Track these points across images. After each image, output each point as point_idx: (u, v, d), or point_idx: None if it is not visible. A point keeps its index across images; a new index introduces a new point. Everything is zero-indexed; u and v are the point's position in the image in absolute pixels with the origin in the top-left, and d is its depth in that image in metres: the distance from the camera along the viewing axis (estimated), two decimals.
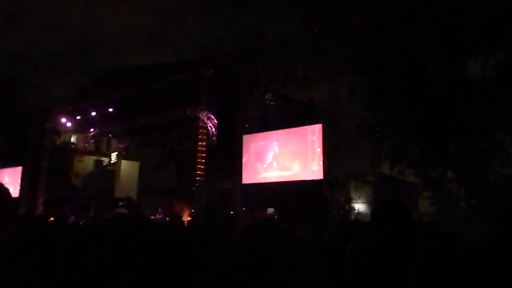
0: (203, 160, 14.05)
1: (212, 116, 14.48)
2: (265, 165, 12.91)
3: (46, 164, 18.50)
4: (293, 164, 12.16)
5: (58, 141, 21.28)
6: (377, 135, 11.84)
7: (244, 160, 13.29)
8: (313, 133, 11.76)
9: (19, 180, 18.72)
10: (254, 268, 0.85)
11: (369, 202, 18.11)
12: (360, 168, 16.53)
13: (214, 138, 14.75)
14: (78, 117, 18.23)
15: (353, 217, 16.03)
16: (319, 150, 11.44)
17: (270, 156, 12.80)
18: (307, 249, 0.92)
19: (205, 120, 14.19)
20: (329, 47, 11.90)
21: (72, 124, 18.67)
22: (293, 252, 0.88)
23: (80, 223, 11.05)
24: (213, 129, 14.46)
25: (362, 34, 11.55)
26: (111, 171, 23.90)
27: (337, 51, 11.83)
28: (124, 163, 24.22)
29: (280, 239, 0.90)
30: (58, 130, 19.75)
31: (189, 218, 13.79)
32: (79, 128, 19.97)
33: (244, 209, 12.03)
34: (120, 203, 11.38)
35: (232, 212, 13.19)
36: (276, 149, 12.65)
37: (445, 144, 11.50)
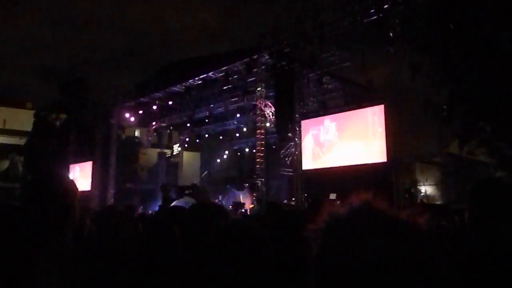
0: (262, 148, 14.06)
1: (270, 103, 14.43)
2: (324, 150, 12.68)
3: (113, 158, 19.39)
4: (354, 147, 11.84)
5: (123, 136, 22.20)
6: (444, 113, 11.21)
7: (303, 145, 13.13)
8: (374, 114, 11.35)
9: (90, 174, 19.79)
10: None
11: (437, 184, 17.32)
12: (425, 149, 15.81)
13: (272, 125, 14.71)
14: (140, 112, 18.90)
15: (419, 200, 15.42)
16: (380, 130, 11.02)
17: (329, 140, 12.54)
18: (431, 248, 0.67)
19: (263, 108, 14.17)
20: (389, 25, 11.38)
21: (135, 118, 19.41)
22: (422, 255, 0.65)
23: (150, 212, 11.48)
24: (271, 116, 14.41)
25: (423, 8, 10.94)
26: (174, 163, 24.67)
27: (398, 29, 11.28)
28: (186, 154, 24.92)
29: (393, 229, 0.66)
30: (123, 125, 20.61)
31: (251, 206, 13.92)
32: (142, 122, 20.74)
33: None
34: (187, 191, 11.58)
35: (293, 199, 13.14)
36: (336, 133, 12.38)
37: None
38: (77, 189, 1.58)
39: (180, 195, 10.63)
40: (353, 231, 0.68)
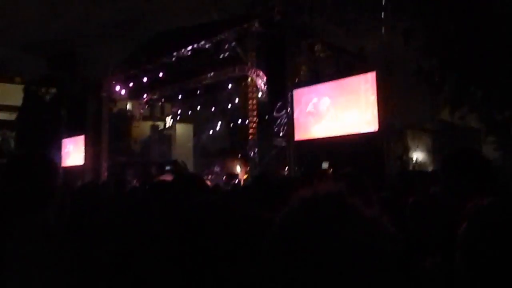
0: (255, 119, 14.02)
1: (261, 73, 14.29)
2: (317, 119, 12.67)
3: (106, 132, 19.30)
4: (346, 116, 11.82)
5: (115, 109, 22.01)
6: (436, 80, 11.19)
7: (295, 115, 13.09)
8: (366, 82, 11.29)
9: (83, 148, 19.73)
10: (311, 255, 0.67)
11: (428, 151, 17.47)
12: (417, 116, 15.85)
13: (264, 95, 14.62)
14: (131, 84, 18.68)
15: (411, 167, 15.58)
16: (373, 98, 10.98)
17: (322, 110, 12.51)
18: (383, 234, 0.72)
19: (254, 78, 14.05)
20: None
21: (126, 91, 19.20)
22: (366, 242, 0.68)
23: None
24: (263, 86, 14.31)
25: None
26: (167, 135, 24.60)
27: None
28: (178, 127, 24.83)
29: (348, 221, 0.70)
30: (114, 98, 20.41)
31: (245, 176, 14.00)
32: (133, 95, 20.53)
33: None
34: (167, 168, 11.50)
35: (286, 168, 13.21)
36: (328, 102, 12.33)
37: (511, 83, 10.71)
38: (58, 168, 1.57)
39: (160, 172, 10.59)
40: (307, 216, 0.71)
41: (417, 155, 17.38)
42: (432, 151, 17.13)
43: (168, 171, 10.38)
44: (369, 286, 0.65)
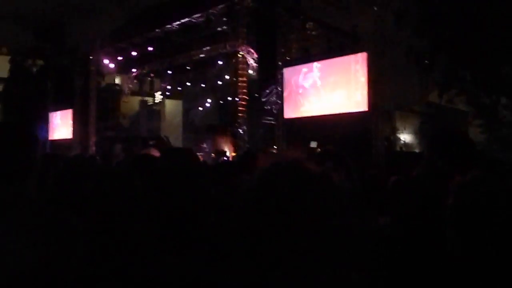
0: (244, 96, 13.96)
1: (252, 50, 14.15)
2: (307, 98, 12.66)
3: (94, 106, 19.06)
4: (336, 95, 11.83)
5: (103, 83, 21.71)
6: (426, 61, 11.21)
7: (285, 93, 13.07)
8: (357, 62, 11.26)
9: (71, 122, 19.54)
10: (274, 215, 0.77)
11: (415, 133, 17.62)
12: (406, 98, 15.93)
13: (254, 72, 14.51)
14: (120, 58, 18.36)
15: (398, 148, 15.72)
16: (363, 79, 10.99)
17: (312, 89, 12.49)
18: (337, 192, 0.83)
19: (245, 54, 13.91)
20: None
21: (114, 65, 18.88)
22: (321, 197, 0.79)
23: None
24: (253, 63, 14.19)
25: None
26: (156, 111, 24.43)
27: None
28: (168, 102, 24.62)
29: (307, 182, 0.80)
30: (102, 72, 20.07)
31: (233, 154, 14.03)
32: (122, 69, 20.21)
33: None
34: (151, 143, 11.43)
35: (275, 147, 13.26)
36: (319, 81, 12.31)
37: (499, 68, 10.78)
38: (37, 139, 1.54)
39: (144, 147, 10.48)
40: (273, 177, 0.82)
41: (405, 137, 17.54)
42: (419, 133, 17.29)
43: (151, 145, 10.24)
44: (324, 235, 0.76)
